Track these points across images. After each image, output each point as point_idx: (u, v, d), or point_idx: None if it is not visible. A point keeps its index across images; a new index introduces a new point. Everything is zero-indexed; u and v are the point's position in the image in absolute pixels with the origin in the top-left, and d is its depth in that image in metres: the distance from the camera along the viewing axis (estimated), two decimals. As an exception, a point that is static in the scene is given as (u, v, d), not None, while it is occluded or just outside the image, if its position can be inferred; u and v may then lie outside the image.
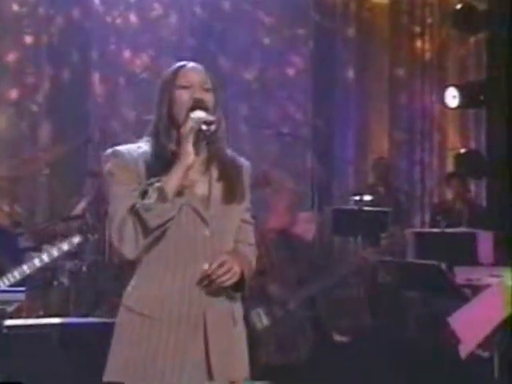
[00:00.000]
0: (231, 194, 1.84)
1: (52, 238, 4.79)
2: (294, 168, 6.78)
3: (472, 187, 6.36)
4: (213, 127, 1.77)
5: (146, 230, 1.74)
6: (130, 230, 1.74)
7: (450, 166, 6.96)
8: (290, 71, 7.10)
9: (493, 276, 3.66)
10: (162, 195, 1.73)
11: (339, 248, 6.47)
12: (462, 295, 3.54)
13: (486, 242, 5.14)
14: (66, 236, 4.41)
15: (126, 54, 6.63)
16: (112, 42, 6.56)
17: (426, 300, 3.96)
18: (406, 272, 4.02)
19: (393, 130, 7.25)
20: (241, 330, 1.88)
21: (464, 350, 2.62)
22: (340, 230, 5.67)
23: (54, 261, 4.19)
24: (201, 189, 1.84)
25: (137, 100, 6.52)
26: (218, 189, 1.86)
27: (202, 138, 1.77)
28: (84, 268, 4.97)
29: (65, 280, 4.86)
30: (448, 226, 5.03)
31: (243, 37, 6.89)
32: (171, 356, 1.75)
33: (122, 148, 1.87)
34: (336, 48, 7.15)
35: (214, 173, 1.87)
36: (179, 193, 1.77)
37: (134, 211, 1.73)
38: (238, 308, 1.89)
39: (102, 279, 5.15)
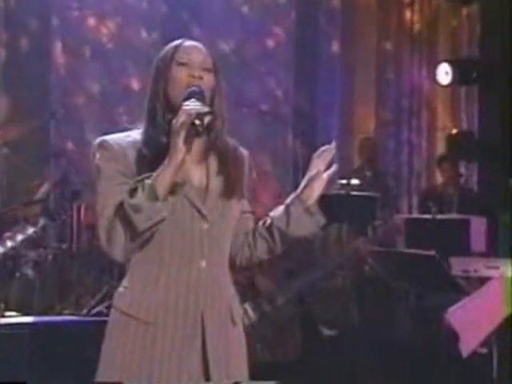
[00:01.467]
0: (231, 187, 1.82)
1: (13, 224, 4.71)
2: (274, 149, 6.78)
3: (463, 170, 6.42)
4: (207, 119, 1.73)
5: (136, 232, 1.71)
6: (119, 232, 1.71)
7: (439, 147, 7.02)
8: (270, 43, 7.05)
9: (490, 267, 3.71)
10: (152, 194, 1.70)
11: (324, 236, 6.50)
12: (459, 288, 3.58)
13: (478, 228, 5.22)
14: (28, 222, 4.34)
15: (91, 21, 6.51)
16: (74, 8, 6.42)
17: (419, 292, 4.00)
18: (397, 262, 4.05)
19: (379, 109, 7.27)
20: (240, 332, 1.87)
21: (465, 349, 2.65)
22: (325, 217, 5.68)
23: (15, 249, 4.13)
24: (197, 180, 1.80)
25: (103, 72, 6.44)
26: (216, 181, 1.83)
27: (194, 133, 1.73)
28: (49, 257, 4.91)
29: (28, 271, 4.81)
30: (439, 212, 5.07)
31: (219, 4, 6.81)
32: (167, 362, 1.74)
33: (109, 138, 1.83)
34: (320, 19, 7.12)
35: (213, 163, 1.84)
36: (171, 190, 1.74)
37: (122, 212, 1.69)
38: (236, 308, 1.88)
39: (68, 269, 5.11)
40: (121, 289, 1.83)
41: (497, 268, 3.63)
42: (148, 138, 1.80)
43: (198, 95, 1.77)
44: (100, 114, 6.36)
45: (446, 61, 6.25)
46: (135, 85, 6.50)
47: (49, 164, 5.89)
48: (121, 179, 1.76)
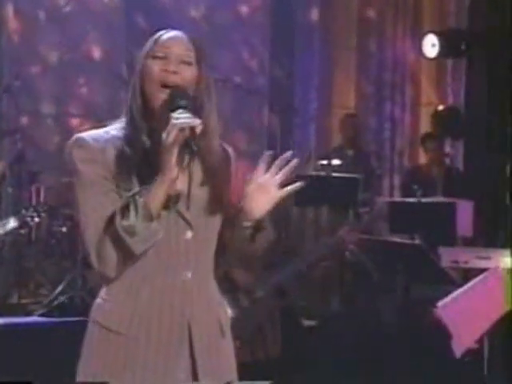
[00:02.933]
0: (216, 195, 1.80)
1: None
2: (249, 125, 6.76)
3: (448, 149, 6.49)
4: (198, 129, 1.70)
5: (131, 254, 1.70)
6: (111, 252, 1.71)
7: (423, 124, 7.07)
8: (244, 9, 6.99)
9: (482, 258, 3.77)
10: (146, 214, 1.69)
11: (300, 220, 6.52)
12: (448, 279, 3.63)
13: (465, 212, 5.29)
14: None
15: (45, -19, 6.37)
16: (27, -32, 6.27)
17: (406, 283, 4.05)
18: (382, 252, 4.10)
19: (360, 82, 7.28)
20: (229, 342, 1.87)
21: (458, 348, 2.69)
22: (303, 200, 5.70)
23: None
24: (180, 187, 1.76)
25: (60, 38, 6.31)
26: (200, 187, 1.80)
27: (188, 152, 1.70)
28: (7, 243, 4.87)
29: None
30: (423, 195, 5.12)
31: (188, -33, 6.72)
32: (152, 378, 1.73)
33: (86, 135, 1.80)
34: (297, -17, 7.09)
35: (196, 168, 1.81)
36: (164, 205, 1.73)
37: (114, 233, 1.68)
38: (225, 317, 1.88)
39: (27, 256, 5.07)
40: (99, 300, 1.81)
41: (489, 259, 3.69)
42: (128, 139, 1.78)
43: (185, 100, 1.74)
44: (58, 85, 6.25)
45: (432, 32, 6.28)
46: (96, 53, 6.40)
47: (2, 143, 5.78)
48: (104, 185, 1.74)
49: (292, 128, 6.80)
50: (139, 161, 1.75)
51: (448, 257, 3.90)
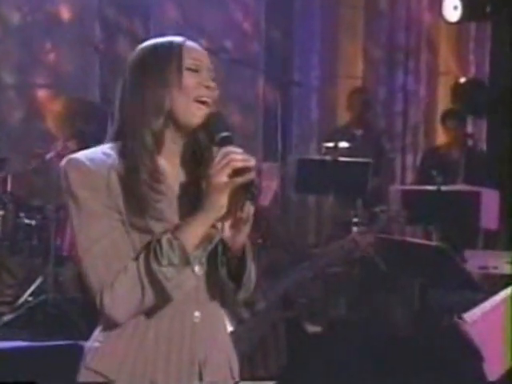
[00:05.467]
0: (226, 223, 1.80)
1: None
2: (241, 98, 6.78)
3: (470, 129, 6.55)
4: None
5: (166, 299, 1.75)
6: (134, 295, 1.74)
7: (441, 96, 7.13)
8: (236, -38, 6.99)
9: (513, 263, 3.85)
10: (183, 257, 1.73)
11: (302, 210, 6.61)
12: (474, 286, 3.72)
13: (491, 202, 5.38)
14: None
15: None
16: None
17: (426, 289, 4.15)
18: (400, 253, 4.18)
19: (369, 46, 7.32)
20: (237, 381, 1.95)
21: (492, 373, 2.76)
22: (306, 188, 5.77)
23: None
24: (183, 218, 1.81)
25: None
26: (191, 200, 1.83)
27: (248, 197, 1.73)
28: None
29: None
30: (444, 183, 5.20)
31: None
32: None
33: (85, 158, 1.79)
34: None
35: (187, 166, 1.86)
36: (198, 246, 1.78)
37: (144, 276, 1.72)
38: (235, 363, 1.95)
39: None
40: (95, 344, 1.84)
41: (522, 265, 3.77)
42: (134, 165, 1.78)
43: (230, 132, 1.78)
44: (20, 51, 6.24)
45: (454, -8, 6.31)
46: (65, 14, 6.38)
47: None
48: (109, 216, 1.76)
49: (291, 101, 6.84)
50: (152, 193, 1.77)
51: (475, 261, 3.99)
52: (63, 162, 1.80)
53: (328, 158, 5.48)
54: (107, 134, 1.89)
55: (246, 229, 1.80)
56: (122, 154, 1.81)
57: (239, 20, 6.95)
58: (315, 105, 7.18)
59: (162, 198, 1.79)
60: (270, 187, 5.18)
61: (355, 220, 5.24)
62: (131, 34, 6.40)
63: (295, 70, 7.10)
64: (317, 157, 5.86)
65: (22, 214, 5.02)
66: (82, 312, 4.56)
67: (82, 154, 1.80)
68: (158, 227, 1.78)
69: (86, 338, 1.91)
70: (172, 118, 1.82)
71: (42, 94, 6.30)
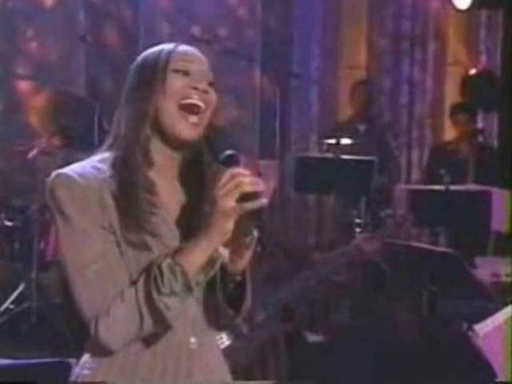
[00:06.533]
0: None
1: None
2: (236, 90, 6.80)
3: (480, 124, 6.57)
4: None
5: (165, 328, 1.75)
6: (131, 324, 1.74)
7: (449, 87, 7.16)
8: None
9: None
10: (185, 284, 1.73)
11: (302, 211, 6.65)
12: (485, 295, 3.77)
13: (501, 203, 5.43)
14: None
15: None
16: None
17: (434, 297, 4.20)
18: (406, 259, 4.22)
19: (373, 35, 7.35)
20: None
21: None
22: (306, 188, 5.80)
23: None
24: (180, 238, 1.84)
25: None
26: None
27: (256, 224, 1.72)
28: None
29: None
30: (452, 182, 5.24)
31: None
32: None
33: (72, 172, 1.79)
34: None
35: (184, 182, 1.88)
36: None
37: (142, 304, 1.72)
38: (229, 379, 1.98)
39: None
40: (84, 371, 1.85)
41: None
42: (127, 180, 1.79)
43: (233, 151, 1.77)
44: (0, 39, 6.25)
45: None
46: (48, 0, 6.40)
47: None
48: (103, 236, 1.77)
49: (289, 93, 6.87)
50: (145, 205, 1.78)
51: (486, 268, 4.03)
52: (50, 177, 1.80)
53: (329, 155, 5.52)
54: (101, 146, 1.90)
55: (249, 254, 1.80)
56: (113, 166, 1.82)
57: (234, 6, 6.98)
58: (315, 98, 7.22)
59: (156, 211, 1.80)
60: (267, 187, 5.22)
61: (358, 221, 5.29)
62: (119, 21, 6.42)
63: (294, 61, 7.13)
64: (317, 154, 5.90)
65: (2, 215, 5.03)
66: (67, 321, 4.59)
67: (70, 169, 1.80)
68: (153, 243, 1.79)
69: (73, 349, 1.93)
70: (158, 128, 1.83)
71: (23, 85, 6.30)
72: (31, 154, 5.03)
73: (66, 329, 4.54)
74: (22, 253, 5.08)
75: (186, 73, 1.83)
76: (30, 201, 5.05)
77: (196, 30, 6.51)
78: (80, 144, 5.11)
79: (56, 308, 4.81)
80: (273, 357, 3.82)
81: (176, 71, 1.83)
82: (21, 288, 4.93)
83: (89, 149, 4.88)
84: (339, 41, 7.30)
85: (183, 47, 1.89)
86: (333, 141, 5.61)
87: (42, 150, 5.00)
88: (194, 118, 1.81)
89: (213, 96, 1.85)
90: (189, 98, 1.81)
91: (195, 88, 1.82)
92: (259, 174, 4.41)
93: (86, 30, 6.06)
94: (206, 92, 1.83)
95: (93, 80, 6.15)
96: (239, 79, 6.80)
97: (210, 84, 1.86)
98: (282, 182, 5.61)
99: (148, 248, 1.78)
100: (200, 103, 1.82)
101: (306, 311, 4.24)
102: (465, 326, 3.72)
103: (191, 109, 1.81)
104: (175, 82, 1.82)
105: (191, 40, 5.97)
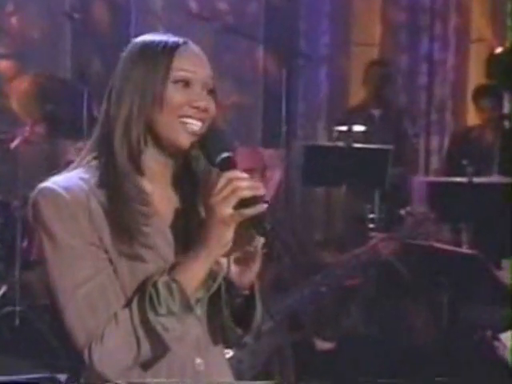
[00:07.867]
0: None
1: None
2: (237, 71, 6.81)
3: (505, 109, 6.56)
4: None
5: (158, 350, 1.77)
6: (128, 351, 1.75)
7: (472, 67, 7.16)
8: None
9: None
10: (184, 303, 1.74)
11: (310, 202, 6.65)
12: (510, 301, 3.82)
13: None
14: None
15: None
16: None
17: (456, 302, 4.24)
18: (425, 261, 4.26)
19: (388, 8, 7.35)
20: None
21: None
22: (315, 179, 5.82)
23: None
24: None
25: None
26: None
27: (259, 231, 1.72)
28: None
29: None
30: (476, 173, 5.25)
31: None
32: None
33: (56, 186, 1.79)
34: None
35: (179, 189, 1.89)
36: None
37: (138, 327, 1.73)
38: None
39: None
40: None
41: None
42: (117, 187, 1.80)
43: (231, 153, 1.77)
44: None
45: None
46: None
47: None
48: (94, 254, 1.78)
49: (296, 74, 6.88)
50: (137, 216, 1.79)
51: (512, 271, 4.07)
52: (34, 192, 1.80)
53: (340, 143, 5.53)
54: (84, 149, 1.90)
55: (256, 265, 1.81)
56: (101, 174, 1.82)
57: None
58: (324, 78, 7.23)
59: (150, 221, 1.81)
60: (272, 179, 5.24)
61: (372, 216, 5.31)
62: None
63: (301, 37, 7.14)
64: (327, 143, 5.92)
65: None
66: (53, 326, 4.62)
67: (54, 183, 1.80)
68: (148, 254, 1.80)
69: (60, 357, 1.96)
70: (151, 134, 1.83)
71: (2, 65, 6.31)
72: (13, 144, 5.06)
73: (52, 333, 4.58)
74: (3, 252, 5.12)
75: (186, 84, 1.83)
76: (13, 196, 5.08)
77: (193, 5, 6.54)
78: (67, 132, 5.14)
79: (41, 310, 4.84)
80: (279, 368, 3.85)
81: (176, 82, 1.82)
82: (2, 290, 4.95)
83: (77, 138, 4.97)
84: (351, 15, 7.30)
85: (185, 48, 1.86)
86: (344, 128, 5.63)
87: (26, 138, 5.03)
88: (193, 127, 1.82)
89: (212, 107, 1.85)
90: (188, 117, 1.82)
91: (196, 107, 1.82)
92: (263, 166, 4.44)
93: (72, 6, 6.07)
94: (205, 111, 1.83)
95: (80, 61, 6.16)
96: (240, 59, 6.81)
97: (210, 91, 1.86)
98: (288, 174, 5.62)
99: (143, 259, 1.79)
100: (199, 123, 1.82)
101: (316, 317, 4.26)
102: (489, 334, 3.76)
103: (190, 125, 1.82)
104: (175, 97, 1.81)
105: (187, 16, 6.01)
